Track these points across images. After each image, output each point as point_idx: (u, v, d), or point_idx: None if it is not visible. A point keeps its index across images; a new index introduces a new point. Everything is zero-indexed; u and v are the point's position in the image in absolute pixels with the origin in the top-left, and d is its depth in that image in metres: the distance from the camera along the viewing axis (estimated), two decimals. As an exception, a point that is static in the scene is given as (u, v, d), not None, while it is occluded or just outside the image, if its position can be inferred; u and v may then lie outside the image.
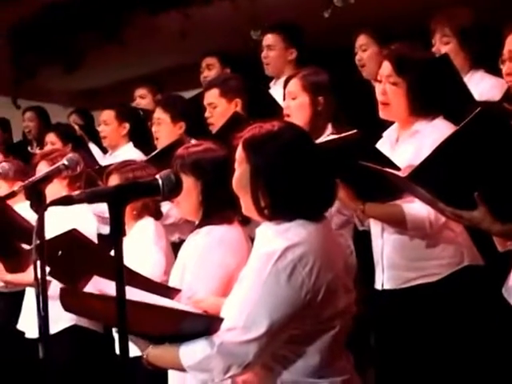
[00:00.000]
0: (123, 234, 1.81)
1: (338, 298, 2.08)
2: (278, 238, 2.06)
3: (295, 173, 2.08)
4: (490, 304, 2.86)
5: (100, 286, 2.12)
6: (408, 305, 2.99)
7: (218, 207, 2.74)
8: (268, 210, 2.10)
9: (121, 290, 1.78)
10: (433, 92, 2.98)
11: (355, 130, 2.69)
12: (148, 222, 3.43)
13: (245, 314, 2.01)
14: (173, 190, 1.90)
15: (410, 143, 2.97)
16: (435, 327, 2.92)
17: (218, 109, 4.05)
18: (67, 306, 2.13)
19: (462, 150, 2.23)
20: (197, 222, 2.84)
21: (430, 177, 2.30)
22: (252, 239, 2.77)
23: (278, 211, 2.10)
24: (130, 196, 1.86)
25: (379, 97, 3.03)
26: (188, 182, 2.77)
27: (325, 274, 2.04)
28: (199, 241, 2.75)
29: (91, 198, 1.90)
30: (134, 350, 2.26)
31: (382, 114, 3.05)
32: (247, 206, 2.17)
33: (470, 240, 3.00)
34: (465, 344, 2.91)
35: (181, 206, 2.87)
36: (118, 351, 1.89)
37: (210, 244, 2.70)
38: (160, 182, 1.88)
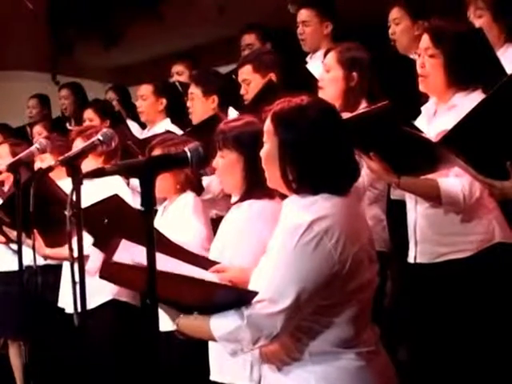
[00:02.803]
0: (154, 205, 1.84)
1: (363, 269, 2.10)
2: (303, 212, 2.08)
3: (321, 148, 2.11)
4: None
5: (132, 252, 2.14)
6: (439, 280, 2.98)
7: (260, 181, 2.74)
8: (295, 183, 2.13)
9: (151, 261, 1.81)
10: (469, 64, 2.96)
11: (385, 102, 2.67)
12: (188, 196, 3.45)
13: (272, 287, 2.04)
14: (201, 162, 1.94)
15: (447, 117, 2.93)
16: (465, 304, 2.91)
17: (253, 84, 4.00)
18: (104, 274, 2.17)
19: (492, 117, 2.22)
20: (237, 197, 2.83)
21: (462, 143, 2.29)
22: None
23: (305, 184, 2.12)
24: (160, 168, 1.90)
25: (419, 70, 3.03)
26: (231, 157, 2.78)
27: (351, 246, 2.06)
28: (240, 214, 2.77)
29: (123, 171, 1.94)
30: (166, 325, 2.29)
31: (421, 86, 3.05)
32: (273, 179, 2.20)
33: (502, 217, 2.99)
34: (493, 321, 2.89)
35: (224, 181, 2.88)
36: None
37: (249, 218, 2.72)
38: (189, 154, 1.91)
